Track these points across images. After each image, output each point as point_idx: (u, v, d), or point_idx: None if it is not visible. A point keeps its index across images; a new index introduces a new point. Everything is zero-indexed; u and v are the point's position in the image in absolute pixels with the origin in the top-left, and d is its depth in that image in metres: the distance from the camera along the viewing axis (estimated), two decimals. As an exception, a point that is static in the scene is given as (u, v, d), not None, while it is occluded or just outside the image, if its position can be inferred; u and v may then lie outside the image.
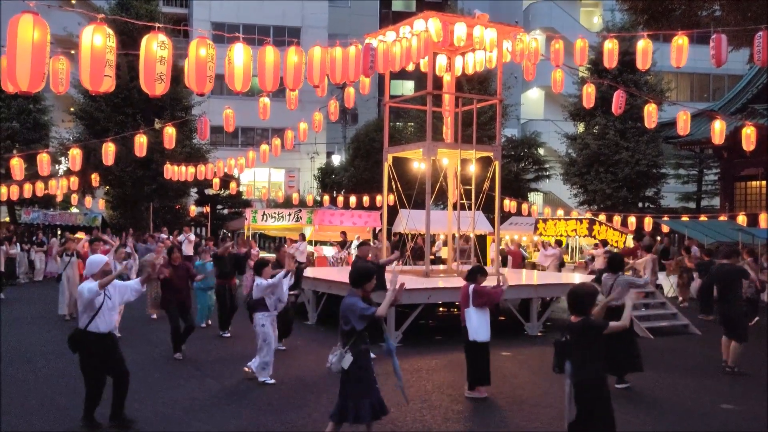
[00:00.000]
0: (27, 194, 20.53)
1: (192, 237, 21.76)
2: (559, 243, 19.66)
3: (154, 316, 13.55)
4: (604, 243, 18.41)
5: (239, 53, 7.40)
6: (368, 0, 42.27)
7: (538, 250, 20.44)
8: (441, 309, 14.67)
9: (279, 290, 8.58)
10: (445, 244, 17.85)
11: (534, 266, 19.96)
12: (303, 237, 20.23)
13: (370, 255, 10.79)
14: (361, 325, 5.41)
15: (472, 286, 7.84)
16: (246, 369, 8.62)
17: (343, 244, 20.24)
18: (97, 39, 6.10)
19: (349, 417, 5.51)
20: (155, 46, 6.54)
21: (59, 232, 26.15)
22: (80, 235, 19.02)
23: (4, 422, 6.65)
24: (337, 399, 5.66)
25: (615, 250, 18.34)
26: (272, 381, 8.37)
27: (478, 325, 7.76)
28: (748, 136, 12.54)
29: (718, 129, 12.61)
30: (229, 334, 11.77)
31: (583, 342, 5.20)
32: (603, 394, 5.17)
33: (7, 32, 5.58)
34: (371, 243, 11.50)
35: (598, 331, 5.24)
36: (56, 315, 13.52)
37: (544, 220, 22.31)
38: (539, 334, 12.24)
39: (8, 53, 5.59)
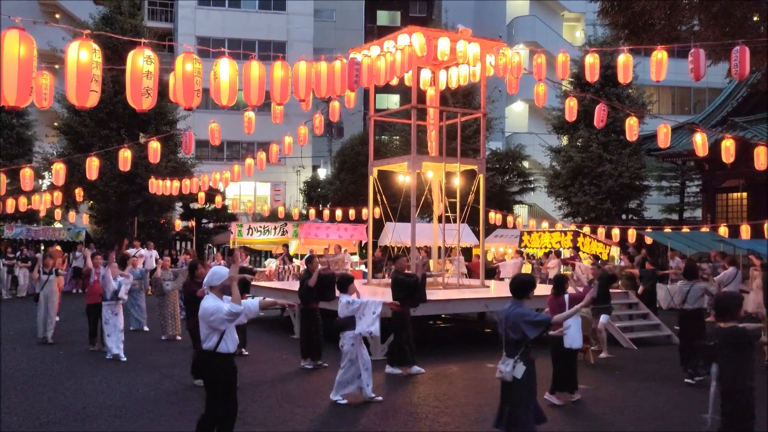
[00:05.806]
0: (10, 209, 20.35)
1: (143, 252, 19.29)
2: (520, 253, 20.11)
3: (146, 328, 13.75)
4: (558, 253, 18.58)
5: (225, 68, 7.43)
6: (353, 14, 42.56)
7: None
8: (431, 322, 14.69)
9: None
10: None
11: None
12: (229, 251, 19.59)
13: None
14: (534, 333, 5.36)
15: (567, 296, 7.97)
16: (360, 394, 8.22)
17: (289, 257, 19.91)
18: (83, 54, 6.14)
19: (517, 425, 5.42)
20: (141, 61, 6.56)
21: (42, 248, 25.91)
22: (57, 247, 18.68)
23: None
24: (502, 407, 5.51)
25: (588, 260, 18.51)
26: (344, 401, 8.02)
27: (576, 332, 7.86)
28: (728, 148, 12.72)
29: (700, 142, 12.84)
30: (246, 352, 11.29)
31: (731, 349, 5.29)
32: (750, 401, 5.26)
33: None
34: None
35: (750, 339, 5.34)
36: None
37: (529, 233, 22.46)
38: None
39: (-5, 69, 5.59)
